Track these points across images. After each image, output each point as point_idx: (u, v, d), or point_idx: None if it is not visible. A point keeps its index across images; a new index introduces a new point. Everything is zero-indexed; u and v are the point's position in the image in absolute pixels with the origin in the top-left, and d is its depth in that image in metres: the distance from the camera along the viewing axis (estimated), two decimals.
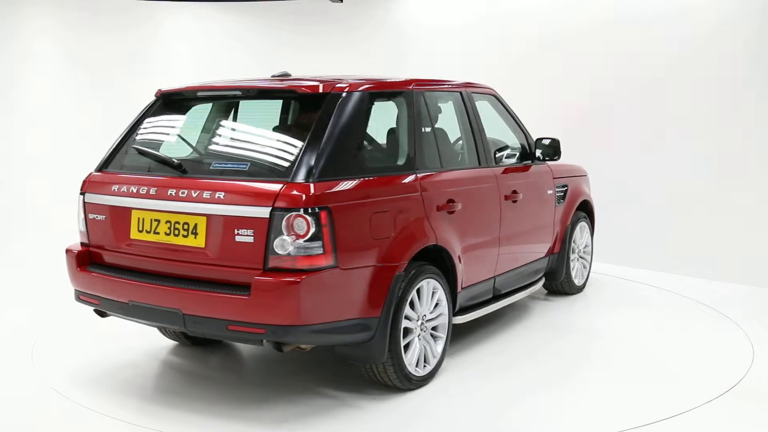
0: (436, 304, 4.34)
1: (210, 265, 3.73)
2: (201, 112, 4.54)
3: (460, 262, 4.52)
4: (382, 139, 4.61)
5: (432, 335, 4.34)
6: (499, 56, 8.69)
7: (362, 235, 3.80)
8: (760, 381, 4.39)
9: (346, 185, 3.76)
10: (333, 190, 3.66)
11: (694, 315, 5.83)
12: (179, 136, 4.41)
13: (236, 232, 3.63)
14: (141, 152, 4.22)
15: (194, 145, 4.37)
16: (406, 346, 4.11)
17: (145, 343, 5.11)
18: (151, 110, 4.47)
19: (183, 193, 3.80)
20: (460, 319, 4.63)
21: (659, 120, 7.42)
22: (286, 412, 3.93)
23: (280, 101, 4.54)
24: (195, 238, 3.76)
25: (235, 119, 4.52)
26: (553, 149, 5.58)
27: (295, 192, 3.55)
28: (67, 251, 4.31)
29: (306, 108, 4.08)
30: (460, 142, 5.09)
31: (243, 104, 4.51)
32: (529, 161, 5.57)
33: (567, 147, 6.18)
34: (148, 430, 3.74)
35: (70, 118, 9.60)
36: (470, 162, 4.96)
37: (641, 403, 4.07)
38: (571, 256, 6.14)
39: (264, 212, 3.55)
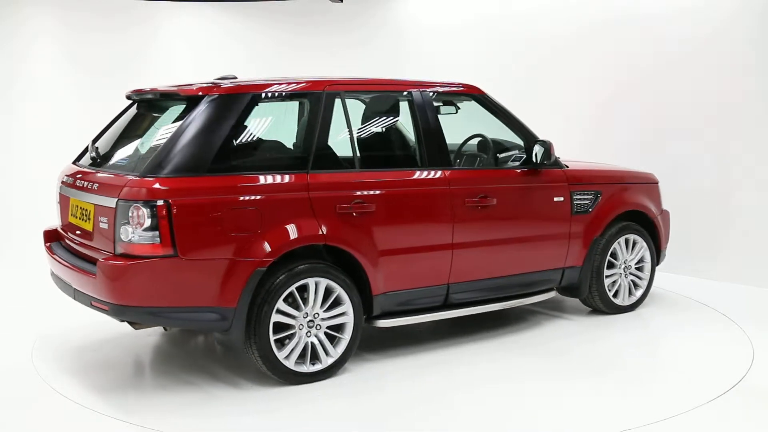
0: (336, 305, 4.38)
1: (91, 247, 4.25)
2: (141, 111, 4.86)
3: (374, 265, 4.49)
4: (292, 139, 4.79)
5: (331, 335, 4.40)
6: (500, 56, 8.69)
7: (213, 229, 4.00)
8: (760, 381, 4.39)
9: (194, 182, 4.00)
10: (175, 186, 3.94)
11: (695, 315, 5.82)
12: (121, 133, 4.74)
13: (100, 219, 4.10)
14: (88, 147, 4.74)
15: (119, 141, 4.68)
16: (288, 340, 4.25)
17: (145, 342, 5.12)
18: (126, 110, 4.91)
19: (84, 183, 4.32)
20: (383, 323, 4.64)
21: (659, 120, 7.42)
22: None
23: (181, 104, 4.57)
24: (88, 222, 4.25)
25: (151, 120, 4.77)
26: (543, 152, 5.14)
27: (136, 186, 3.93)
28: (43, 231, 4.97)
29: (186, 110, 4.31)
30: (404, 143, 5.03)
31: (159, 106, 4.78)
32: (534, 165, 5.22)
33: (567, 147, 6.17)
34: (147, 429, 3.74)
35: (70, 118, 9.59)
36: (418, 164, 4.85)
37: (641, 403, 4.07)
38: (606, 272, 5.57)
39: (112, 203, 3.98)
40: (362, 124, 4.89)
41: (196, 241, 3.96)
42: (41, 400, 4.16)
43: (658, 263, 6.04)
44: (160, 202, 3.86)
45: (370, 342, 5.07)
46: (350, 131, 4.60)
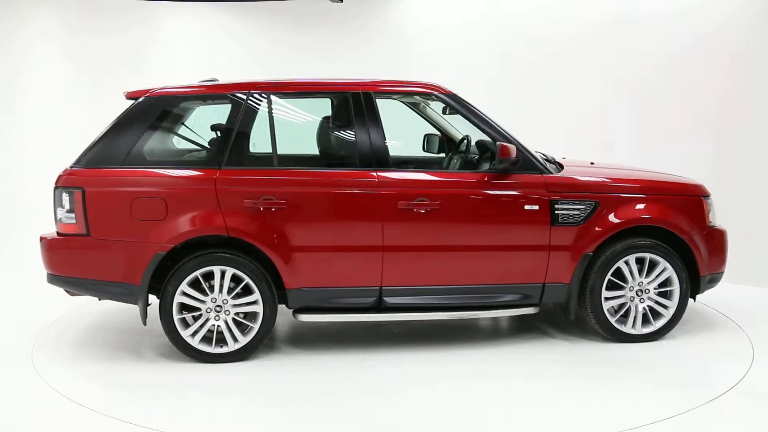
0: (249, 293, 4.68)
1: None
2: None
3: (286, 260, 4.67)
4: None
5: (241, 322, 4.72)
6: (500, 56, 8.69)
7: (121, 214, 4.60)
8: (760, 381, 4.40)
9: (107, 173, 4.64)
10: (90, 176, 4.62)
11: (695, 315, 5.82)
12: None
13: (53, 202, 4.76)
14: None
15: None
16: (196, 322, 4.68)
17: (145, 341, 5.11)
18: None
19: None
20: (304, 318, 4.83)
21: (659, 120, 7.42)
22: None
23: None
24: None
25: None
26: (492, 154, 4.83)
27: (65, 175, 4.66)
28: None
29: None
30: (339, 143, 5.11)
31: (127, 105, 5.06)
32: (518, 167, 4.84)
33: (566, 147, 6.17)
34: (148, 430, 3.74)
35: (70, 118, 9.59)
36: (356, 164, 4.78)
37: (641, 403, 4.08)
38: (607, 294, 4.95)
39: (53, 188, 4.69)
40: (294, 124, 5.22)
41: (106, 223, 4.61)
42: (41, 400, 4.17)
43: (698, 291, 5.14)
44: (76, 190, 4.58)
45: (317, 337, 5.11)
46: (272, 132, 4.83)
